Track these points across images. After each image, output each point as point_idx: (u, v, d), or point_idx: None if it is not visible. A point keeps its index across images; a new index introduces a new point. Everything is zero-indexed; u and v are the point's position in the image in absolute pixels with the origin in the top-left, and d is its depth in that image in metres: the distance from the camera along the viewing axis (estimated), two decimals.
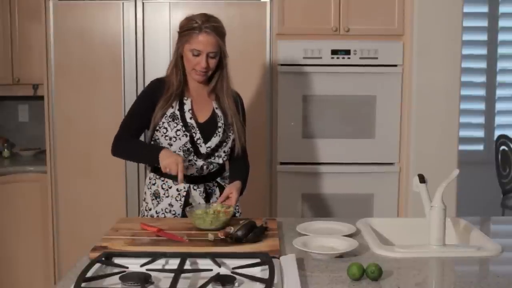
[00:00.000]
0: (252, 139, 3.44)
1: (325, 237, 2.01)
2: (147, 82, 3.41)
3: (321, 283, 1.65)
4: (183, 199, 2.42)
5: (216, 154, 2.43)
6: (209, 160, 2.42)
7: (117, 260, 1.76)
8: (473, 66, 5.07)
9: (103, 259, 1.75)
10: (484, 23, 5.11)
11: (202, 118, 2.42)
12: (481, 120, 5.18)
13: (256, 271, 1.69)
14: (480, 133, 5.21)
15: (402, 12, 3.44)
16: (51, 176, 3.50)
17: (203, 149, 2.39)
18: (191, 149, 2.38)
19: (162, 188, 2.45)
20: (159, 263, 1.75)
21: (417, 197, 2.09)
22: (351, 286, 1.63)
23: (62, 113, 3.48)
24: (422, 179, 2.07)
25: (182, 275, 1.63)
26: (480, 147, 5.22)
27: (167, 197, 2.44)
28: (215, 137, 2.40)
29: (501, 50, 5.13)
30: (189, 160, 2.39)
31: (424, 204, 2.03)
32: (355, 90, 3.46)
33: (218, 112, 2.44)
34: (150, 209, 2.47)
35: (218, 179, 2.49)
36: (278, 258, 1.79)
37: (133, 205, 3.47)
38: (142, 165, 3.46)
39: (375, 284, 1.65)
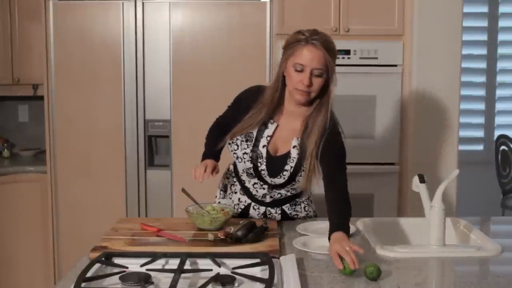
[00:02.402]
0: None
1: (325, 237, 2.01)
2: (147, 82, 3.44)
3: (321, 283, 1.65)
4: (239, 210, 2.34)
5: (283, 189, 2.26)
6: (273, 190, 2.26)
7: (117, 260, 1.76)
8: (473, 66, 5.07)
9: (103, 259, 1.75)
10: (484, 23, 5.10)
11: (279, 151, 2.19)
12: (481, 120, 5.18)
13: (256, 271, 1.69)
14: (480, 133, 5.20)
15: (402, 12, 3.44)
16: (51, 176, 3.50)
17: (268, 179, 2.22)
18: (254, 175, 2.24)
19: (230, 189, 2.40)
20: (159, 263, 1.75)
21: (417, 197, 2.09)
22: (351, 286, 1.63)
23: (62, 113, 3.47)
24: (422, 179, 2.07)
25: (182, 275, 1.63)
26: (480, 147, 5.22)
27: (230, 199, 2.39)
28: (278, 178, 2.20)
29: (501, 50, 5.13)
30: (254, 183, 2.27)
31: (424, 204, 2.04)
32: (355, 90, 3.46)
33: (294, 152, 2.16)
34: (216, 197, 2.44)
35: (285, 206, 2.32)
36: (278, 258, 1.79)
37: (133, 205, 3.47)
38: (142, 165, 3.46)
39: (375, 284, 1.65)
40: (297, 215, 2.36)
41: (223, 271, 1.69)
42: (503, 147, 4.79)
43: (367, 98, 3.46)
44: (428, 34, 3.36)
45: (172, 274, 1.61)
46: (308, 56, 2.03)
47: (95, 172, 3.48)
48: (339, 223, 1.94)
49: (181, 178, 3.36)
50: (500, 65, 5.14)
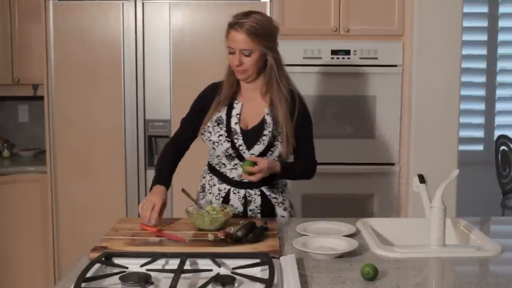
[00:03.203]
0: None
1: (325, 237, 2.01)
2: (147, 83, 3.44)
3: (321, 283, 1.65)
4: (221, 199, 2.38)
5: None
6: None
7: (117, 260, 1.76)
8: (473, 66, 5.07)
9: (103, 259, 1.75)
10: (484, 23, 5.10)
11: (251, 124, 2.35)
12: (481, 120, 5.18)
13: (256, 271, 1.69)
14: (480, 133, 5.20)
15: (402, 12, 3.44)
16: (51, 176, 3.50)
17: (246, 155, 2.31)
18: (233, 154, 2.33)
19: (208, 184, 2.44)
20: (159, 263, 1.75)
21: (417, 197, 2.09)
22: (351, 287, 1.63)
23: (62, 113, 3.48)
24: (422, 179, 2.06)
25: (182, 275, 1.63)
26: (480, 147, 5.22)
27: (210, 193, 2.43)
28: (258, 145, 2.31)
29: (501, 50, 5.13)
30: (234, 164, 2.35)
31: (424, 204, 2.03)
32: (355, 90, 3.46)
33: (268, 118, 2.33)
34: (197, 200, 2.47)
35: (264, 188, 2.39)
36: (278, 258, 1.79)
37: (133, 205, 3.47)
38: (142, 165, 3.47)
39: (375, 284, 1.65)
40: (276, 198, 2.42)
41: (223, 271, 1.69)
42: (503, 147, 4.79)
43: (367, 98, 3.46)
44: (428, 34, 3.36)
45: (172, 274, 1.61)
46: (234, 40, 2.27)
47: (95, 172, 3.48)
48: (288, 163, 2.36)
49: (181, 178, 3.35)
50: (500, 65, 5.14)
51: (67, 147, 3.48)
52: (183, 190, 2.35)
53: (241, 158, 2.33)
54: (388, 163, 3.52)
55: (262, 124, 2.34)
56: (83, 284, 1.56)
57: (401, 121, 3.49)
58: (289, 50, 3.41)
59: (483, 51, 5.12)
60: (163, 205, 2.19)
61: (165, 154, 2.42)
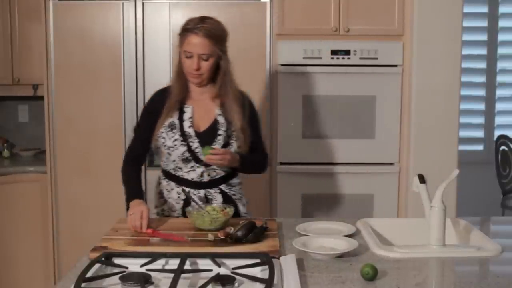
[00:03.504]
0: None
1: (325, 237, 2.01)
2: (148, 82, 3.44)
3: (321, 283, 1.65)
4: (182, 202, 2.41)
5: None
6: (210, 167, 2.39)
7: (117, 260, 1.76)
8: (473, 66, 5.07)
9: (103, 259, 1.75)
10: (484, 23, 5.10)
11: (203, 126, 2.38)
12: (481, 120, 5.18)
13: (256, 271, 1.69)
14: (480, 133, 5.20)
15: (402, 12, 3.43)
16: (51, 176, 3.50)
17: (202, 157, 2.34)
18: (190, 157, 2.36)
19: (166, 189, 2.46)
20: (159, 263, 1.75)
21: (417, 197, 2.09)
22: (351, 287, 1.63)
23: (62, 113, 3.48)
24: (422, 179, 2.07)
25: (182, 275, 1.63)
26: (480, 147, 5.22)
27: (169, 198, 2.44)
28: (214, 144, 2.36)
29: (501, 51, 5.13)
30: (191, 166, 2.38)
31: (424, 204, 2.03)
32: (355, 90, 3.46)
33: (221, 119, 2.39)
34: (156, 207, 2.50)
35: (222, 186, 2.44)
36: (278, 258, 1.79)
37: None
38: (142, 165, 3.46)
39: (375, 284, 1.65)
40: (234, 194, 2.46)
41: (223, 271, 1.69)
42: (503, 147, 4.79)
43: (367, 98, 3.46)
44: (428, 34, 3.36)
45: (172, 274, 1.61)
46: (192, 44, 2.29)
47: (95, 172, 3.48)
48: (245, 156, 2.40)
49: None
50: (500, 65, 5.14)
51: (67, 147, 3.48)
52: (183, 190, 2.35)
53: (197, 160, 2.36)
54: (388, 163, 3.52)
55: (215, 125, 2.38)
56: (83, 284, 1.56)
57: (401, 121, 3.49)
58: (289, 50, 3.43)
59: (483, 51, 5.11)
60: (148, 213, 2.19)
61: (127, 171, 2.47)
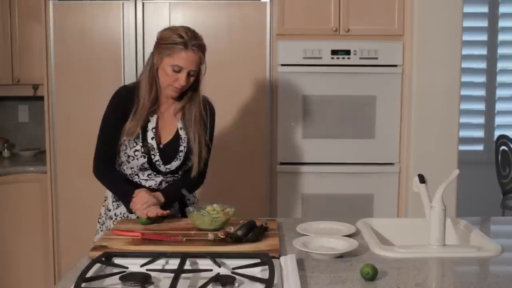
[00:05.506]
0: (252, 139, 3.45)
1: (325, 237, 2.01)
2: None
3: (321, 283, 1.65)
4: None
5: (176, 174, 2.39)
6: (168, 177, 2.37)
7: (117, 260, 1.76)
8: (473, 67, 5.07)
9: (103, 259, 1.75)
10: (484, 23, 5.11)
11: (165, 139, 2.33)
12: (481, 120, 5.18)
13: (256, 271, 1.69)
14: (480, 133, 5.21)
15: (402, 12, 3.44)
16: (51, 176, 3.50)
17: (162, 168, 2.33)
18: (148, 168, 2.33)
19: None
20: (159, 263, 1.75)
21: (417, 197, 2.09)
22: (351, 287, 1.63)
23: (62, 113, 3.47)
24: (422, 179, 2.07)
25: (182, 275, 1.63)
26: (480, 147, 5.22)
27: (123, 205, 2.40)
28: (175, 161, 2.33)
29: (501, 51, 5.13)
30: (148, 175, 2.35)
31: (424, 204, 2.03)
32: (355, 90, 3.46)
33: (182, 133, 2.34)
34: (110, 210, 2.45)
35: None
36: (278, 258, 1.79)
37: None
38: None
39: (375, 284, 1.65)
40: (189, 199, 2.44)
41: (223, 271, 1.69)
42: (503, 147, 4.79)
43: (367, 98, 3.47)
44: (428, 34, 3.36)
45: (172, 274, 1.61)
46: (187, 60, 2.20)
47: None
48: (170, 187, 2.34)
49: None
50: (500, 65, 5.15)
51: (67, 147, 3.48)
52: (183, 190, 2.35)
53: (157, 171, 2.34)
54: (388, 163, 3.52)
55: (177, 139, 2.34)
56: (83, 284, 1.56)
57: (401, 121, 3.49)
58: (289, 50, 3.43)
59: (483, 51, 5.12)
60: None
61: (108, 174, 2.40)
